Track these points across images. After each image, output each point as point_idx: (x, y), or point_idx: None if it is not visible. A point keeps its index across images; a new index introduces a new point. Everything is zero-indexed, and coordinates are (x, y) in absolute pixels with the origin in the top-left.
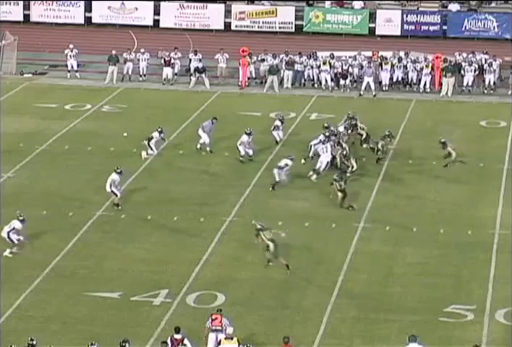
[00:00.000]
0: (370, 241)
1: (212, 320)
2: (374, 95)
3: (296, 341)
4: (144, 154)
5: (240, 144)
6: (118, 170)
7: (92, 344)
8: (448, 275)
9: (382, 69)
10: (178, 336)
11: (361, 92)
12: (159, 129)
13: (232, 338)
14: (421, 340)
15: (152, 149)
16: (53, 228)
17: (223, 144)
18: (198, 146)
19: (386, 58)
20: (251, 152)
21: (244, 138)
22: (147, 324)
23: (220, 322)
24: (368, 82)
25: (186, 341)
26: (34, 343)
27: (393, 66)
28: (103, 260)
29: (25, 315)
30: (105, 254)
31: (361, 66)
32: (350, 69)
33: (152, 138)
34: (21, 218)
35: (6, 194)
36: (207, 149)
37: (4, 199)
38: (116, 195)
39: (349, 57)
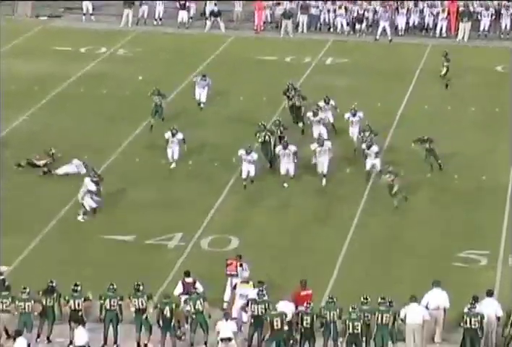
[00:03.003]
0: (385, 187)
1: (228, 265)
2: (390, 40)
3: (309, 285)
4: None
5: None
6: (95, 179)
7: (111, 284)
8: (463, 220)
9: (398, 13)
10: (189, 279)
11: (377, 37)
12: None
13: (248, 282)
14: (443, 286)
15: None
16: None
17: (239, 88)
18: (201, 105)
19: (402, 3)
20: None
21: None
22: (162, 266)
23: (236, 267)
24: (384, 27)
25: (197, 284)
26: (53, 284)
27: (409, 10)
28: (117, 204)
29: (40, 257)
30: (119, 198)
31: (375, 11)
32: (366, 14)
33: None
34: (95, 179)
35: (22, 137)
36: (201, 106)
37: (19, 142)
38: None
39: (365, 1)
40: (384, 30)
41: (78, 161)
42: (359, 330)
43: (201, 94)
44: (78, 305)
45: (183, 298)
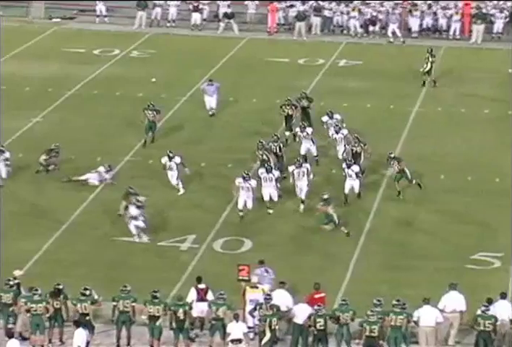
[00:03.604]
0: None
1: (239, 271)
2: (403, 41)
3: (322, 287)
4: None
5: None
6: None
7: (125, 286)
8: (475, 223)
9: (412, 15)
10: (202, 286)
11: (391, 40)
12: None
13: (257, 287)
14: (460, 289)
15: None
16: (81, 173)
17: (252, 90)
18: (210, 113)
19: (416, 5)
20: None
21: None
22: (175, 269)
23: (248, 272)
24: (393, 29)
25: (210, 293)
26: (60, 287)
27: (422, 12)
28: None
29: (52, 259)
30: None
31: (388, 13)
32: (379, 16)
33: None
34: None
35: (35, 138)
36: (210, 113)
37: (32, 144)
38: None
39: (378, 3)
40: (393, 32)
41: (103, 168)
42: (376, 334)
43: (211, 101)
44: (85, 308)
45: (200, 304)
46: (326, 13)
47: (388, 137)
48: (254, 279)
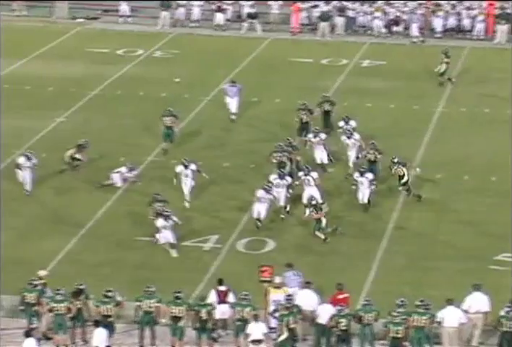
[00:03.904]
0: (420, 188)
1: (262, 272)
2: (423, 41)
3: (345, 288)
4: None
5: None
6: (166, 213)
7: (148, 287)
8: (499, 223)
9: (435, 15)
10: (222, 288)
11: (414, 40)
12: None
13: (280, 287)
14: (484, 289)
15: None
16: (104, 172)
17: (274, 90)
18: (233, 117)
19: (440, 5)
20: None
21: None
22: (197, 269)
23: (270, 273)
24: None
25: (230, 295)
26: (82, 287)
27: (446, 12)
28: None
29: (76, 259)
30: None
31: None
32: (402, 16)
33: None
34: (166, 213)
35: (59, 138)
36: (232, 117)
37: (56, 143)
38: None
39: (401, 3)
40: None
41: (125, 169)
42: (401, 335)
43: (232, 104)
44: (107, 310)
45: (220, 306)
46: (350, 13)
47: (412, 138)
48: (277, 279)
